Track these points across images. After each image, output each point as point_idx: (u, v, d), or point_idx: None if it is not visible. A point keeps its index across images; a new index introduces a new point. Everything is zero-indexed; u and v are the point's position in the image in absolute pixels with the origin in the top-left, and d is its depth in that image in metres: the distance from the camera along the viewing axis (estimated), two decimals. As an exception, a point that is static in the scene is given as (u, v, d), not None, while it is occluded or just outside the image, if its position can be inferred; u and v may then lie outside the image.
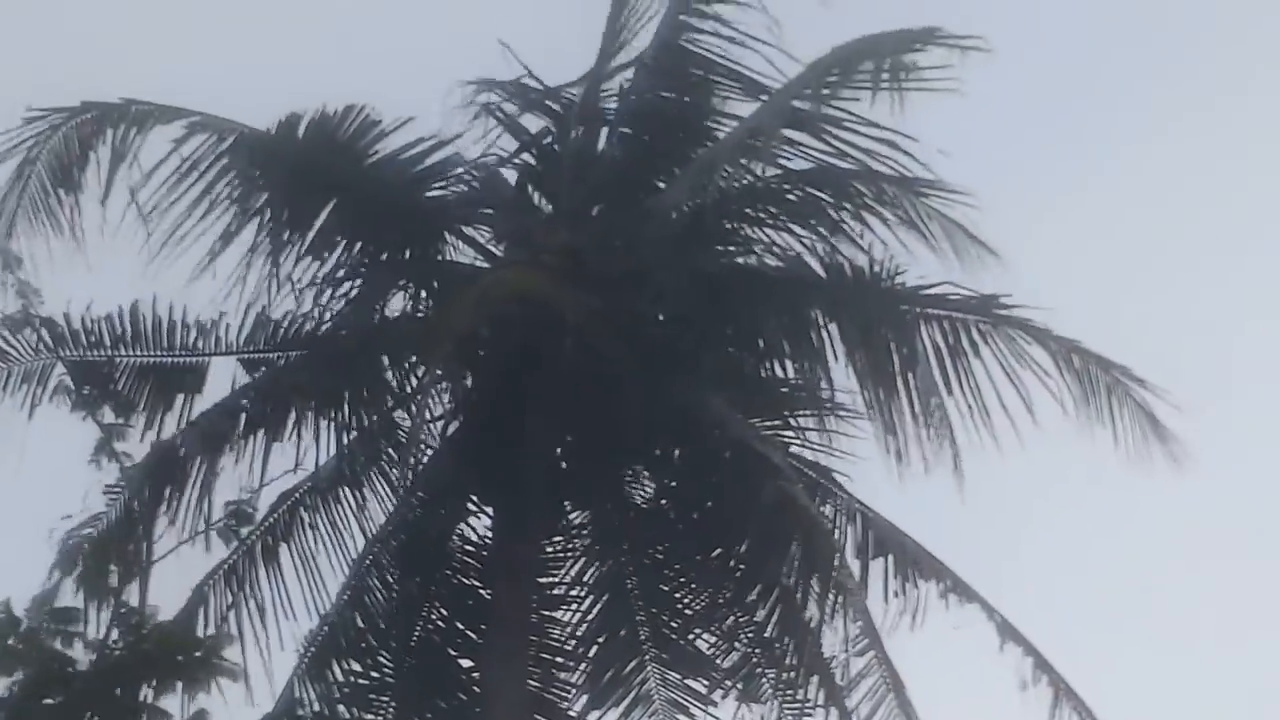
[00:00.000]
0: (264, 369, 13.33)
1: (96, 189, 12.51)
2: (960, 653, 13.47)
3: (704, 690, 13.89)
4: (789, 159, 12.98)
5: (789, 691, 13.32)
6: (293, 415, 13.24)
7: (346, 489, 13.58)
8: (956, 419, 12.90)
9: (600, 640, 13.95)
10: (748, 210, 13.34)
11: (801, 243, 13.27)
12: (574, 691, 13.90)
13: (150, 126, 12.52)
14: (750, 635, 13.57)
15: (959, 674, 14.10)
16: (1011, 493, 13.73)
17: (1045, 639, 13.33)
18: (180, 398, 12.98)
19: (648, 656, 13.95)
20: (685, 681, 13.97)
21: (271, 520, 13.32)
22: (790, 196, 13.16)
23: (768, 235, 13.44)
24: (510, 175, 13.98)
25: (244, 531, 13.08)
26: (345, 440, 13.43)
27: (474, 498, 13.73)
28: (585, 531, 14.00)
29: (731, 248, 13.54)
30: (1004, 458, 12.94)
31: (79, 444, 12.46)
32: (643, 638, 13.95)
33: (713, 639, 13.80)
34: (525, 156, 13.94)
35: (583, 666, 13.92)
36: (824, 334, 13.11)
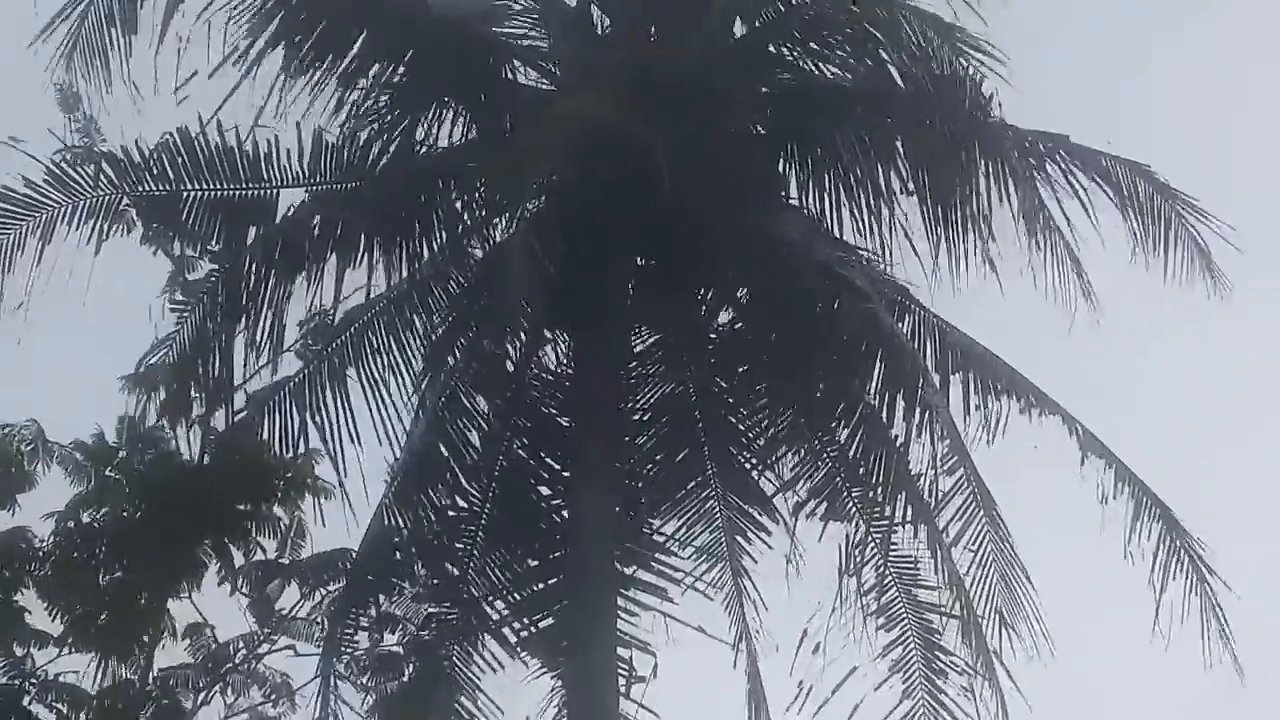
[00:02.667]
0: (331, 193, 13.02)
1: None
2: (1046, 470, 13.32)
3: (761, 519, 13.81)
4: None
5: (875, 510, 13.20)
6: (362, 240, 12.98)
7: (416, 315, 13.28)
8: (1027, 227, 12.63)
9: (659, 457, 13.82)
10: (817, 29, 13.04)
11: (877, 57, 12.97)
12: (654, 515, 13.82)
13: None
14: (834, 454, 13.46)
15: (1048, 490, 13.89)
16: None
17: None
18: (252, 230, 12.65)
19: (710, 476, 13.82)
20: (743, 507, 13.88)
21: (339, 342, 13.02)
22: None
23: (840, 53, 13.16)
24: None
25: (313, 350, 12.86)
26: (415, 266, 13.19)
27: (550, 326, 13.52)
28: (661, 355, 13.82)
29: (802, 63, 13.25)
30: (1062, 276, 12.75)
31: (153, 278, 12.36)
32: (706, 457, 13.81)
33: (797, 459, 13.66)
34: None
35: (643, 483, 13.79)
36: (901, 144, 12.83)
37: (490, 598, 13.38)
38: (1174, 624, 12.84)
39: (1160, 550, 13.00)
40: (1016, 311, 13.06)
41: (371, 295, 13.07)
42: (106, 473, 11.10)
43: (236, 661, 12.04)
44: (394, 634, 12.34)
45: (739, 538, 13.89)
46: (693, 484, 13.81)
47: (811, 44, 13.32)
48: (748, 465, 13.89)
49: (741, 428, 13.89)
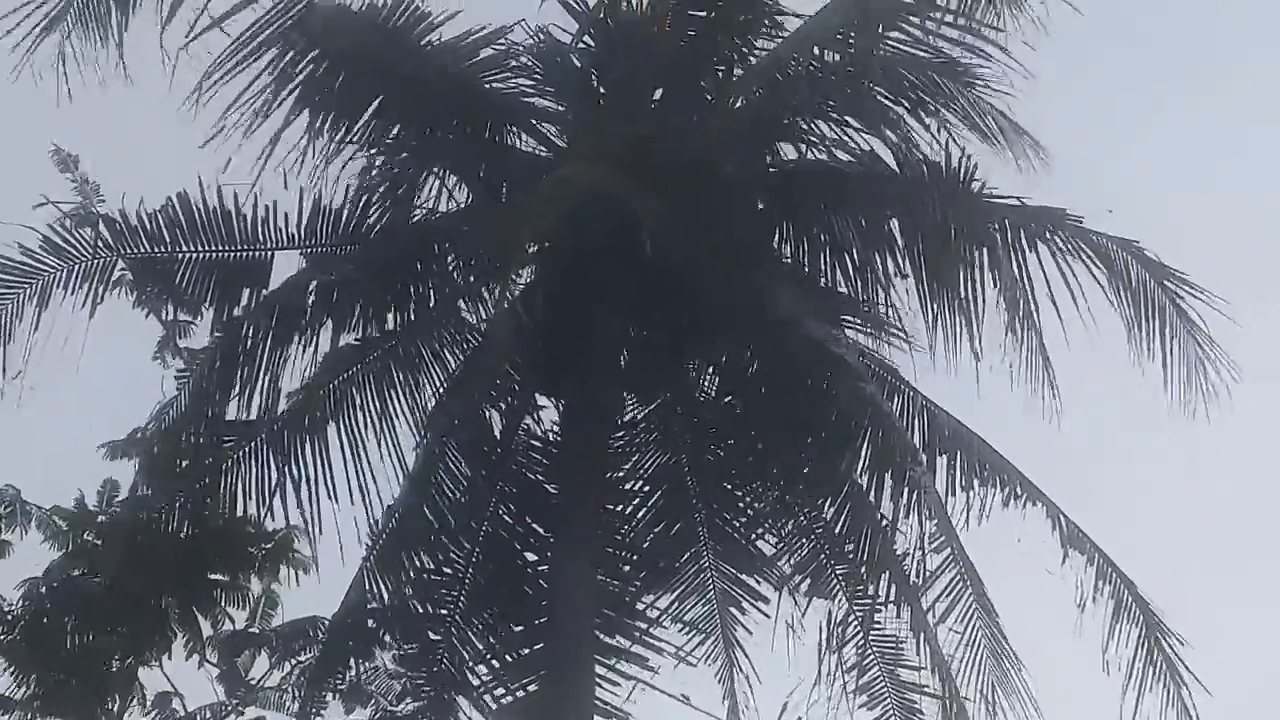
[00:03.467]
0: (327, 258, 13.09)
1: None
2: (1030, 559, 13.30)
3: (759, 588, 13.79)
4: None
5: (859, 588, 13.20)
6: (357, 305, 13.03)
7: (402, 374, 13.20)
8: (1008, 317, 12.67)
9: (656, 529, 13.79)
10: (816, 103, 13.05)
11: (871, 141, 13.04)
12: (638, 585, 13.82)
13: None
14: (819, 531, 13.46)
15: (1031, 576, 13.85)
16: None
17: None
18: (246, 292, 12.74)
19: (704, 549, 13.82)
20: (741, 577, 13.87)
21: (321, 394, 12.85)
22: (849, 90, 12.87)
23: (837, 131, 13.18)
24: (568, 63, 13.64)
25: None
26: (405, 326, 13.22)
27: (540, 392, 13.56)
28: (650, 425, 13.84)
29: (799, 142, 13.31)
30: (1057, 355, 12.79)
31: (144, 341, 12.43)
32: (700, 531, 13.81)
33: (779, 536, 13.69)
34: (585, 39, 13.62)
35: (638, 556, 13.79)
36: (893, 228, 12.89)
37: (472, 663, 13.34)
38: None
39: (1138, 658, 12.99)
40: (1004, 396, 13.07)
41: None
42: (84, 537, 11.12)
43: (203, 730, 12.04)
44: (366, 708, 12.30)
45: (733, 609, 13.86)
46: (687, 555, 13.79)
47: (813, 121, 13.40)
48: (741, 535, 13.84)
49: (737, 495, 13.91)
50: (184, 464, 11.72)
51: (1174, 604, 13.23)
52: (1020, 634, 13.40)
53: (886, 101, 12.75)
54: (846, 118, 13.07)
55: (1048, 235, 12.77)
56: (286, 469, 12.60)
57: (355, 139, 12.95)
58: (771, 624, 13.57)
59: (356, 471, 12.69)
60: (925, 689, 13.32)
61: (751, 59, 13.49)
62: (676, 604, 13.80)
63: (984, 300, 12.70)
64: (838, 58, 12.95)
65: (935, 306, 12.75)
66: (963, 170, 12.64)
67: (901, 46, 12.77)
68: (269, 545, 11.63)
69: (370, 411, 12.95)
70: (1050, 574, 12.92)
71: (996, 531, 13.09)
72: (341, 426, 12.87)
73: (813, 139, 13.16)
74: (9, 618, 11.03)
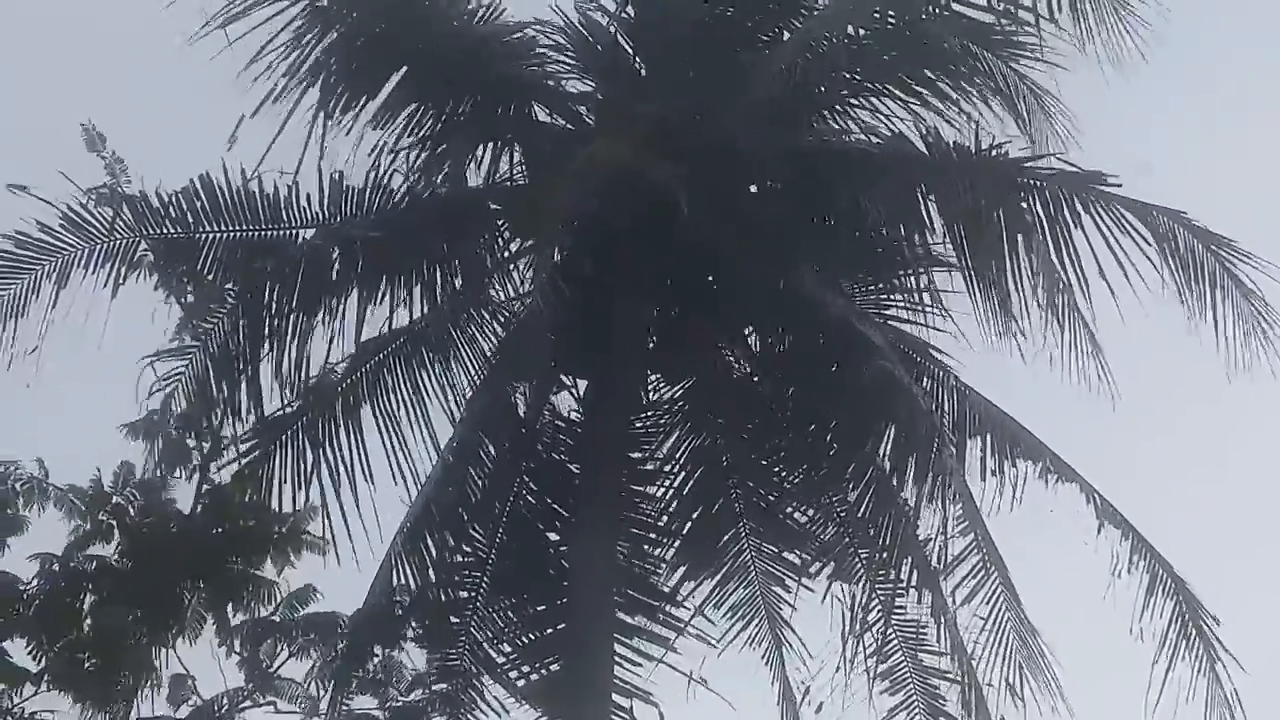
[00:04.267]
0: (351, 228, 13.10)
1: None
2: (1059, 536, 13.15)
3: (799, 564, 13.76)
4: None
5: (881, 572, 13.08)
6: (384, 279, 13.06)
7: (433, 355, 13.27)
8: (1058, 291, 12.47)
9: (695, 514, 13.80)
10: (846, 77, 12.90)
11: (900, 120, 12.97)
12: (664, 566, 13.80)
13: None
14: (843, 514, 13.38)
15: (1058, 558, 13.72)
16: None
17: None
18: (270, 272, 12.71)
19: (743, 530, 13.83)
20: (781, 554, 13.84)
21: (354, 378, 13.00)
22: (883, 60, 12.74)
23: (867, 109, 13.09)
24: (602, 39, 13.57)
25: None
26: (435, 306, 13.26)
27: (564, 372, 13.54)
28: (677, 406, 13.80)
29: (830, 122, 13.19)
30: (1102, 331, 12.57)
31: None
32: (738, 511, 13.81)
33: (808, 515, 13.63)
34: (625, 10, 13.54)
35: (677, 541, 13.77)
36: (925, 208, 12.74)
37: (495, 642, 13.41)
38: (1179, 705, 12.60)
39: (1171, 629, 12.77)
40: (1042, 379, 12.87)
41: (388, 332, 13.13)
42: (99, 517, 11.24)
43: (219, 716, 12.10)
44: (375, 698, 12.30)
45: (777, 588, 13.88)
46: (726, 537, 13.78)
47: (846, 96, 13.27)
48: (779, 511, 13.78)
49: (772, 472, 13.84)
50: (207, 450, 11.75)
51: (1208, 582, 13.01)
52: (1047, 618, 13.30)
53: (921, 74, 12.64)
54: (882, 88, 12.94)
55: (1091, 209, 12.51)
56: (321, 454, 12.71)
57: (379, 116, 12.94)
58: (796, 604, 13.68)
59: (391, 453, 12.84)
60: (947, 674, 13.27)
61: (785, 35, 13.39)
62: (718, 589, 13.83)
63: (1025, 281, 12.52)
64: (872, 31, 12.79)
65: (977, 287, 12.60)
66: (993, 151, 12.52)
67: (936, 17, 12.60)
68: (284, 529, 11.61)
69: (402, 393, 13.06)
70: (1086, 545, 12.73)
71: (1030, 512, 12.95)
72: (376, 409, 12.99)
73: (846, 115, 13.06)
74: (25, 595, 11.18)
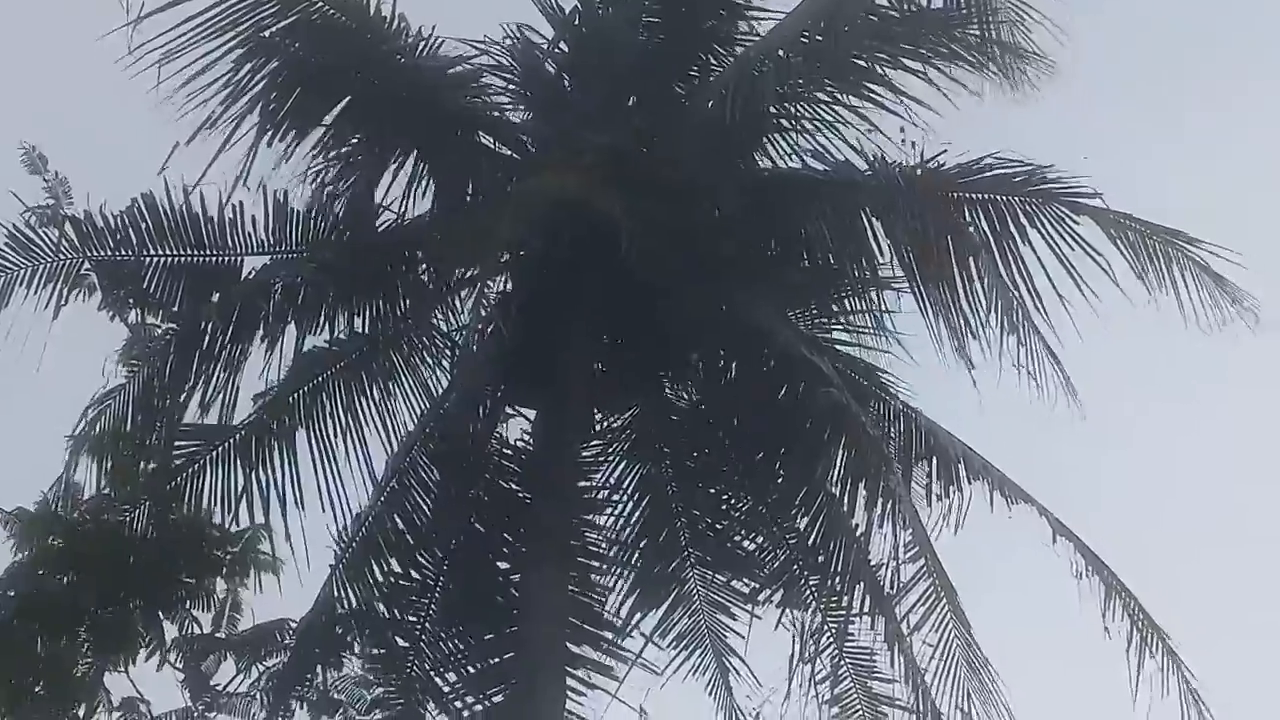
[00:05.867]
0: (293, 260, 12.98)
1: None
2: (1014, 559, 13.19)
3: (747, 591, 13.69)
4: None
5: (833, 599, 13.07)
6: (323, 307, 12.93)
7: (371, 381, 13.20)
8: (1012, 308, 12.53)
9: (641, 544, 13.70)
10: (791, 85, 12.93)
11: (846, 140, 12.95)
12: (611, 595, 13.68)
13: None
14: (793, 541, 13.34)
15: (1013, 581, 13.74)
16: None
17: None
18: (216, 297, 12.60)
19: (689, 559, 13.75)
20: (729, 582, 13.77)
21: (290, 400, 12.86)
22: (825, 61, 12.72)
23: (811, 111, 13.06)
24: (541, 70, 13.57)
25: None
26: (376, 333, 13.16)
27: (511, 402, 13.45)
28: (625, 435, 13.74)
29: (774, 148, 13.25)
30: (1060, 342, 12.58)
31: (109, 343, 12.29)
32: (683, 540, 13.74)
33: (755, 544, 13.58)
34: (560, 45, 13.55)
35: (623, 570, 13.65)
36: (872, 232, 12.81)
37: (442, 669, 13.23)
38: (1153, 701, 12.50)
39: (1134, 631, 12.67)
40: (997, 397, 12.93)
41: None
42: (49, 541, 10.98)
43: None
44: (334, 718, 12.12)
45: (722, 616, 13.78)
46: (671, 565, 13.69)
47: (790, 105, 13.25)
48: (726, 539, 13.69)
49: (720, 499, 13.78)
50: (145, 466, 11.55)
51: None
52: (1002, 641, 13.30)
53: (864, 61, 12.63)
54: (825, 84, 12.92)
55: (1036, 220, 12.54)
56: (254, 474, 12.56)
57: (321, 145, 12.84)
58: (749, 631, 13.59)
59: (326, 477, 12.73)
60: (897, 701, 13.23)
61: (726, 60, 13.43)
62: (664, 618, 13.71)
63: (979, 300, 12.59)
64: (814, 40, 12.74)
65: (929, 309, 12.63)
66: (931, 163, 12.53)
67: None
68: (235, 548, 11.44)
69: (340, 417, 12.97)
70: (1048, 547, 12.63)
71: (983, 533, 13.01)
72: (311, 432, 12.86)
73: (789, 130, 13.07)
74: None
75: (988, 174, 12.72)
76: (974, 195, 12.71)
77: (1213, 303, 12.54)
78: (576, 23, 13.52)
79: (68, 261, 12.12)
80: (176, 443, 12.40)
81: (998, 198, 12.64)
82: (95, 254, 12.18)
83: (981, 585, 13.74)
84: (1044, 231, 12.54)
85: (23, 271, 11.96)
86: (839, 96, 12.92)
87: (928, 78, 12.51)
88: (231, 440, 12.67)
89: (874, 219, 12.79)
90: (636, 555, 13.60)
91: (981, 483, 12.91)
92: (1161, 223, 12.75)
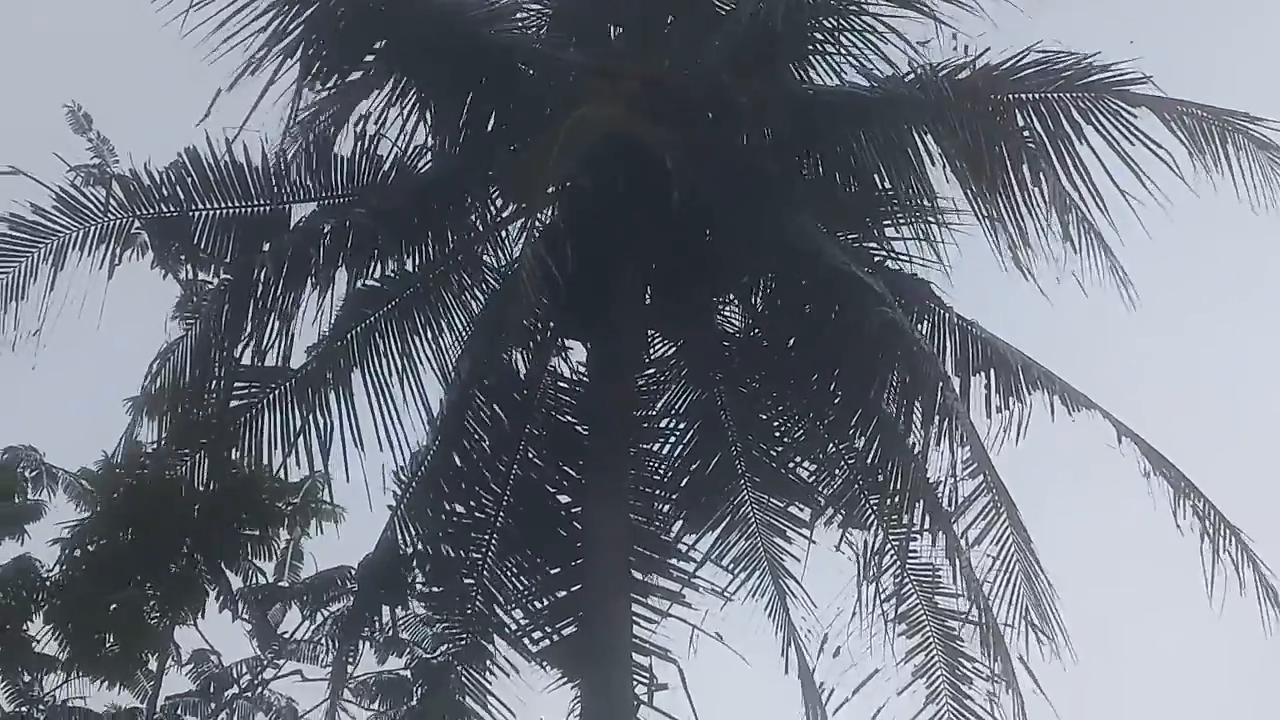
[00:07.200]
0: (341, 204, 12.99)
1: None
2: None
3: (802, 515, 13.73)
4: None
5: (893, 517, 13.06)
6: (373, 248, 12.95)
7: (424, 320, 13.20)
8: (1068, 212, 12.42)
9: (694, 467, 13.76)
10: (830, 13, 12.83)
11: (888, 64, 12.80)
12: (672, 522, 13.77)
13: None
14: (851, 462, 13.35)
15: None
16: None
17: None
18: (266, 247, 12.55)
19: (743, 482, 13.79)
20: (785, 507, 13.80)
21: (343, 342, 12.86)
22: None
23: (851, 44, 12.92)
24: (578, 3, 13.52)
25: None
26: (425, 271, 13.19)
27: (564, 335, 13.48)
28: (677, 363, 13.78)
29: (816, 61, 13.11)
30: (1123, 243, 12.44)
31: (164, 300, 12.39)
32: (738, 464, 13.77)
33: (813, 466, 13.61)
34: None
35: (677, 495, 13.74)
36: (922, 145, 12.63)
37: (508, 606, 13.37)
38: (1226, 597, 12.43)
39: (1205, 528, 12.59)
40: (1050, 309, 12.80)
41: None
42: (113, 498, 11.13)
43: (241, 687, 12.09)
44: (401, 658, 12.32)
45: (778, 539, 13.82)
46: (726, 489, 13.73)
47: (827, 48, 13.17)
48: (779, 464, 13.75)
49: (772, 425, 13.81)
50: (201, 415, 11.66)
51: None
52: (1064, 557, 13.24)
53: None
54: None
55: (1091, 116, 12.35)
56: (311, 417, 12.58)
57: (362, 86, 12.79)
58: (805, 554, 13.63)
59: (382, 418, 12.70)
60: (964, 615, 13.25)
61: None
62: (719, 541, 13.78)
63: (1038, 208, 12.45)
64: None
65: (986, 220, 12.47)
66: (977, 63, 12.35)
67: None
68: (295, 498, 11.56)
69: (394, 357, 12.95)
70: (1111, 447, 12.60)
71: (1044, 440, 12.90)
72: (366, 373, 12.87)
73: (830, 45, 12.92)
74: (48, 583, 11.09)
75: (1035, 70, 12.52)
76: (1024, 96, 12.54)
77: (1266, 174, 12.34)
78: None
79: (118, 221, 12.13)
80: (234, 386, 12.50)
81: (1049, 96, 12.46)
82: (144, 212, 12.18)
83: (1043, 497, 13.64)
84: (1100, 127, 12.35)
85: (74, 234, 11.97)
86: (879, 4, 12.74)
87: None
88: (288, 382, 12.69)
89: (923, 133, 12.64)
90: (692, 481, 13.66)
91: (1042, 392, 12.89)
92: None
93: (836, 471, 13.45)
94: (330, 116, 12.74)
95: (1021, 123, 12.56)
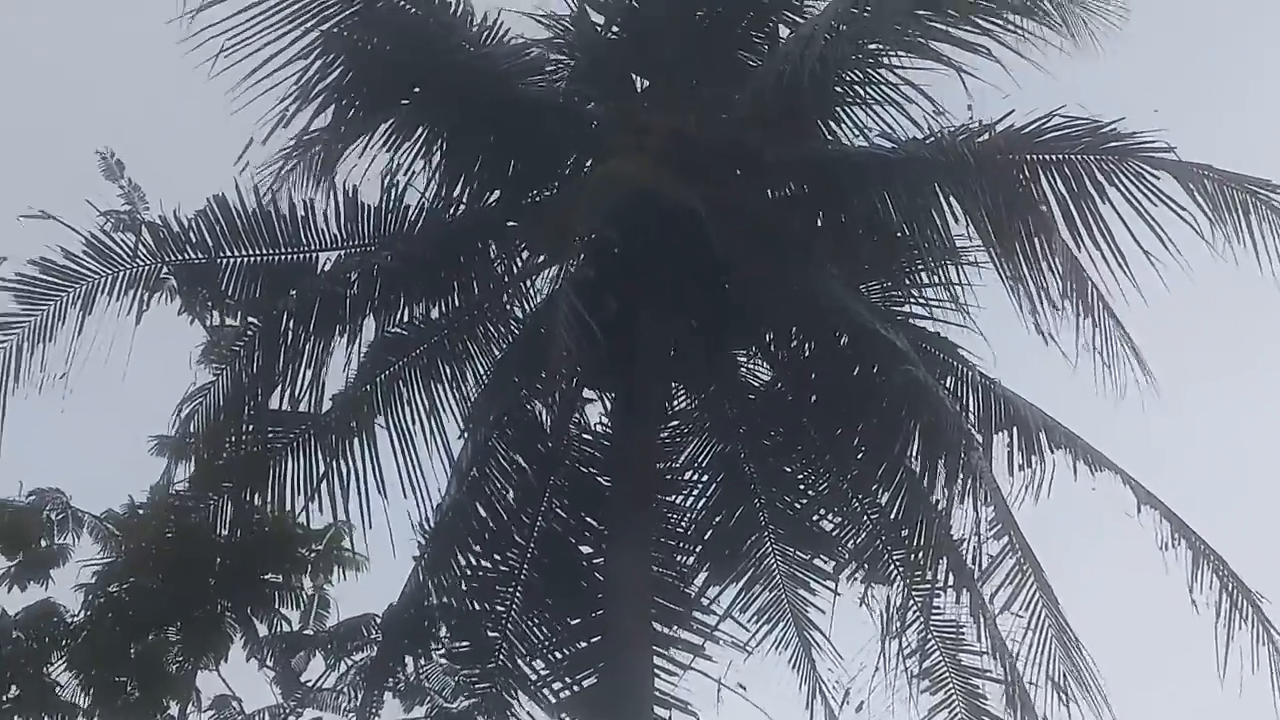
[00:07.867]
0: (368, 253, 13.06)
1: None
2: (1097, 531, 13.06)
3: (826, 567, 13.73)
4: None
5: (916, 573, 13.05)
6: (400, 298, 13.02)
7: (448, 368, 13.22)
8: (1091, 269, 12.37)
9: (717, 519, 13.77)
10: (854, 68, 12.88)
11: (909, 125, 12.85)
12: (695, 574, 13.78)
13: None
14: (874, 517, 13.34)
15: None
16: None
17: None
18: (293, 293, 12.66)
19: (767, 534, 13.79)
20: (810, 560, 13.81)
21: (367, 389, 12.88)
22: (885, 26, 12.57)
23: (876, 75, 12.97)
24: (601, 54, 13.54)
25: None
26: (450, 319, 13.23)
27: (589, 386, 13.50)
28: (701, 416, 13.81)
29: (842, 119, 13.17)
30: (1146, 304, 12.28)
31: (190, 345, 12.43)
32: (761, 516, 13.80)
33: (837, 520, 13.61)
34: (615, 29, 13.53)
35: (700, 547, 13.74)
36: (946, 204, 12.66)
37: (529, 657, 13.36)
38: (1244, 674, 12.31)
39: (1223, 600, 12.54)
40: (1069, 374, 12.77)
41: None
42: (139, 543, 11.15)
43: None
44: (422, 706, 12.29)
45: (803, 591, 13.85)
46: (749, 542, 13.76)
47: (852, 107, 13.22)
48: (803, 517, 13.76)
49: (796, 478, 13.83)
50: (230, 459, 11.70)
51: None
52: (1087, 613, 13.17)
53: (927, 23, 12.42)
54: (886, 55, 12.79)
55: (1115, 177, 12.22)
56: (334, 463, 12.60)
57: (391, 138, 12.93)
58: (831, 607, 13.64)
59: (406, 466, 12.74)
60: (988, 673, 13.21)
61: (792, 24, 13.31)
62: (743, 593, 13.80)
63: (1056, 275, 12.38)
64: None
65: (1008, 279, 12.36)
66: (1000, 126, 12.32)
67: None
68: (319, 545, 11.58)
69: (418, 405, 12.99)
70: (1129, 516, 12.52)
71: (1065, 505, 12.87)
72: (390, 420, 12.91)
73: (856, 103, 12.98)
74: (72, 628, 11.09)
75: (1058, 134, 12.47)
76: (1046, 157, 12.48)
77: None
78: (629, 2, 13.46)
79: (147, 267, 12.21)
80: (260, 430, 12.54)
81: (1072, 158, 12.39)
82: (172, 258, 12.28)
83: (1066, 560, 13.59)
84: (1123, 189, 12.26)
85: (104, 279, 12.04)
86: (901, 60, 12.80)
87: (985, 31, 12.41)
88: (313, 428, 12.73)
89: (946, 195, 12.69)
90: (715, 533, 13.66)
91: (1064, 452, 12.86)
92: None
93: (860, 526, 13.46)
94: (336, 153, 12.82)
95: (1044, 183, 12.55)
